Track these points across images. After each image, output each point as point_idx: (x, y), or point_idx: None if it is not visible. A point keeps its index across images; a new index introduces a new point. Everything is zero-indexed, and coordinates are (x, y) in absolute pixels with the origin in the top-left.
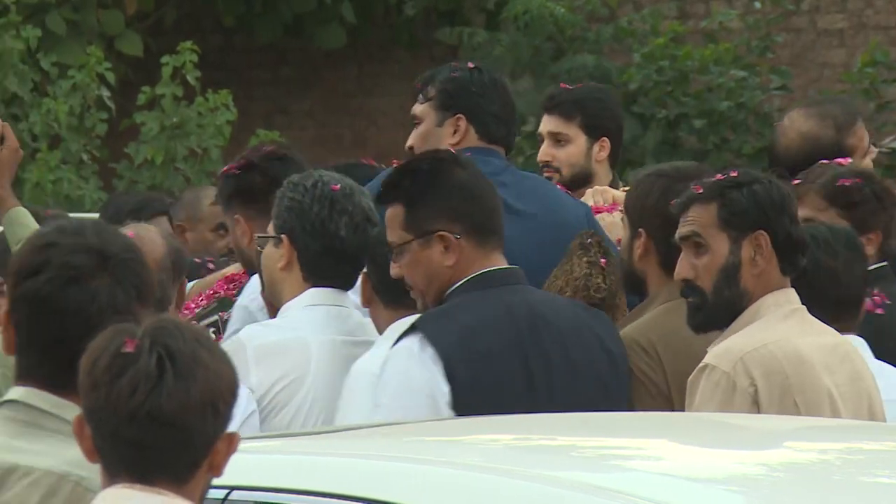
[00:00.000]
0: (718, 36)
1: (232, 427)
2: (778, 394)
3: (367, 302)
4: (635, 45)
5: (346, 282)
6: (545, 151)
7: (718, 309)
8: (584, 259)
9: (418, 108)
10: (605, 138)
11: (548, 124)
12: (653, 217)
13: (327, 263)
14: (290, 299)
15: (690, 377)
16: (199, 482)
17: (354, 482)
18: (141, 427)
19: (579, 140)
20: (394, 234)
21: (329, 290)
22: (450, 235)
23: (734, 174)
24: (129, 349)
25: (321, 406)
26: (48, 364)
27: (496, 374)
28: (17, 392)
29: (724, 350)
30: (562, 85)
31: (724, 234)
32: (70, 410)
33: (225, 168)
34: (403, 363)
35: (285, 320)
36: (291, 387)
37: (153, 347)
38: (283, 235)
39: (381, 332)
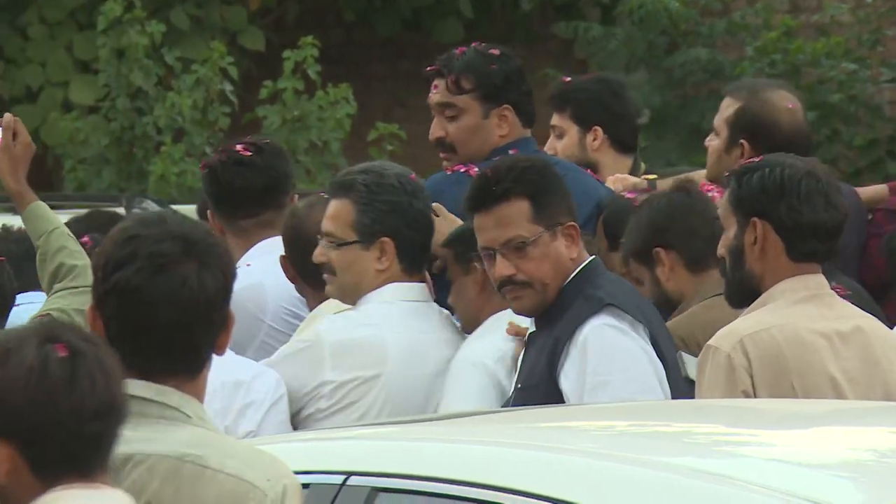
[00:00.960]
0: (830, 29)
1: (261, 410)
2: (771, 375)
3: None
4: (748, 38)
5: (421, 273)
6: (549, 144)
7: (732, 288)
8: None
9: (458, 98)
10: (597, 127)
11: (553, 118)
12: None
13: (424, 257)
14: (368, 292)
15: (698, 357)
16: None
17: (470, 467)
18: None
19: (571, 131)
20: (519, 229)
21: (413, 285)
22: (576, 227)
23: (757, 160)
24: (62, 354)
25: (394, 405)
26: (143, 353)
27: (671, 346)
28: None
29: (728, 332)
30: (563, 79)
31: (734, 218)
32: (171, 396)
33: (202, 164)
34: (622, 340)
35: (365, 315)
36: (365, 385)
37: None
38: (384, 238)
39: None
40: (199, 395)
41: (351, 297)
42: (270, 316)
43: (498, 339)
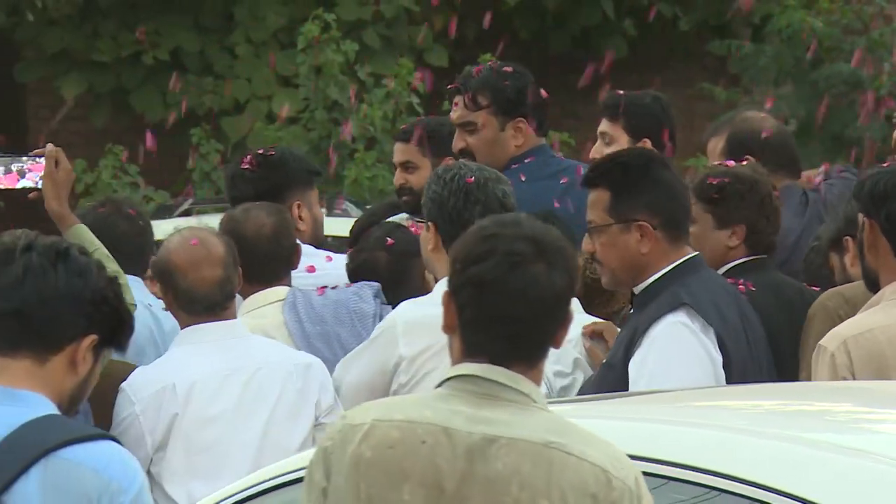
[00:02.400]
0: None
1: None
2: (871, 373)
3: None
4: (885, 55)
5: None
6: (596, 149)
7: (864, 276)
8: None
9: (477, 114)
10: (646, 139)
11: (601, 125)
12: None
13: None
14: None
15: (812, 356)
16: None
17: (637, 443)
18: None
19: (622, 140)
20: (595, 215)
21: None
22: (648, 226)
23: (885, 165)
24: None
25: None
26: (493, 341)
27: (740, 348)
28: (470, 368)
29: (834, 334)
30: (616, 91)
31: (861, 214)
32: (522, 382)
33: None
34: (689, 338)
35: (433, 297)
36: (437, 357)
37: None
38: (430, 223)
39: None
40: (538, 384)
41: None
42: None
43: None
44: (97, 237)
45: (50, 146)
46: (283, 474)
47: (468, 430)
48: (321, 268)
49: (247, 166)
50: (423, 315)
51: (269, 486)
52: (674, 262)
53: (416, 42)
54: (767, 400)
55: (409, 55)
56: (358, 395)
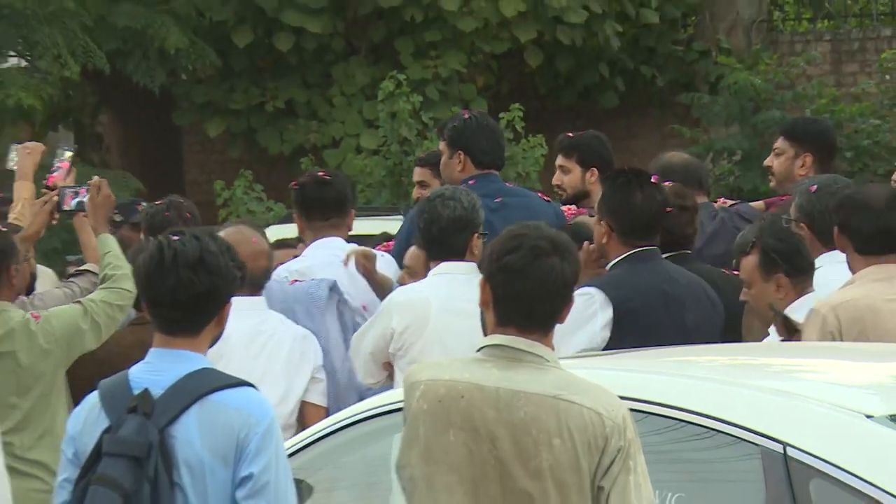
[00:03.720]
0: (862, 97)
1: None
2: (855, 334)
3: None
4: (807, 104)
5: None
6: (556, 178)
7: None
8: None
9: (440, 144)
10: (594, 168)
11: (558, 160)
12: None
13: (434, 244)
14: None
15: (805, 318)
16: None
17: (626, 387)
18: None
19: (575, 170)
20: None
21: (460, 263)
22: (606, 227)
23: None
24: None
25: (436, 343)
26: (519, 315)
27: (652, 316)
28: (498, 338)
29: (824, 302)
30: (567, 134)
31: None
32: (537, 347)
33: (293, 182)
34: (580, 305)
35: (421, 285)
36: (417, 332)
37: None
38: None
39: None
40: (550, 348)
41: None
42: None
43: None
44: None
45: (95, 178)
46: (357, 414)
47: (496, 387)
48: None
49: (328, 177)
50: (410, 298)
51: (349, 422)
52: (617, 255)
53: (464, 95)
54: (723, 356)
55: (459, 104)
56: (372, 358)
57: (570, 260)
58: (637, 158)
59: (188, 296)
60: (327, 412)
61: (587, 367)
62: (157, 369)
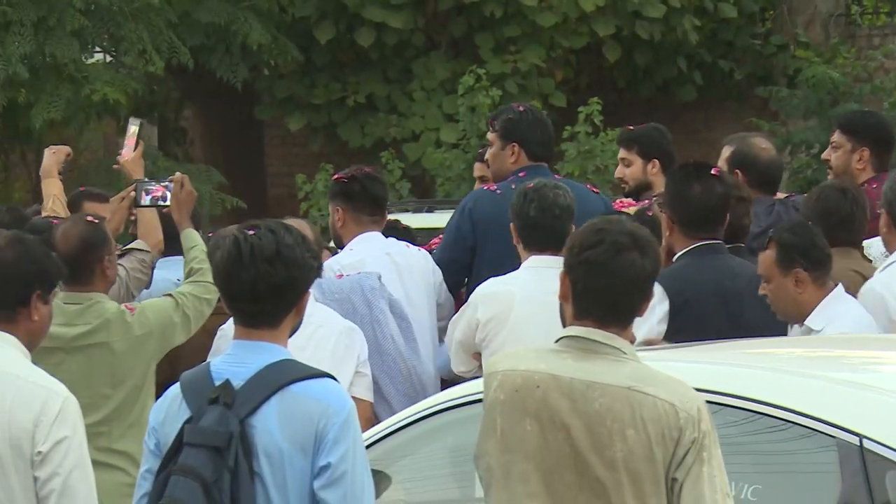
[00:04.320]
0: None
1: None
2: None
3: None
4: (885, 97)
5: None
6: (618, 170)
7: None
8: None
9: (490, 135)
10: (655, 160)
11: (620, 153)
12: None
13: (527, 235)
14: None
15: (861, 296)
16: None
17: (702, 379)
18: None
19: (637, 163)
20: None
21: (546, 257)
22: (668, 220)
23: None
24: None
25: (518, 335)
26: (599, 308)
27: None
28: (576, 329)
29: (880, 277)
30: (627, 126)
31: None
32: (615, 340)
33: (336, 176)
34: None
35: (507, 277)
36: (500, 323)
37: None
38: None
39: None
40: (629, 341)
41: None
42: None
43: None
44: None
45: (178, 174)
46: (437, 404)
47: (570, 377)
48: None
49: (369, 175)
50: (496, 290)
51: (433, 411)
52: (681, 248)
53: (543, 89)
54: (801, 348)
55: (538, 98)
56: (462, 347)
57: (650, 255)
58: (714, 151)
59: (267, 289)
60: (371, 406)
61: (663, 360)
62: (238, 361)
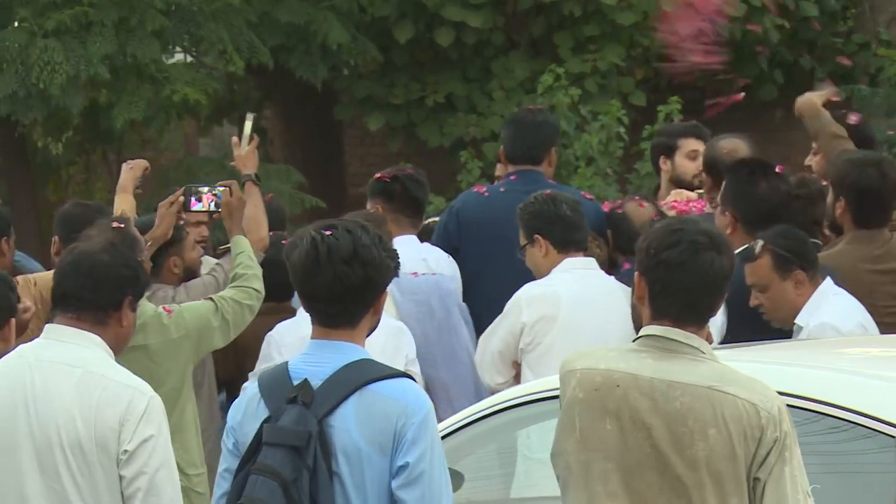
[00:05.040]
0: None
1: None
2: None
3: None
4: None
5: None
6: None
7: None
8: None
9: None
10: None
11: (691, 146)
12: None
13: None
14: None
15: None
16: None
17: (784, 382)
18: None
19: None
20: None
21: (581, 258)
22: (731, 218)
23: None
24: None
25: (567, 337)
26: (677, 308)
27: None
28: (655, 329)
29: None
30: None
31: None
32: (694, 339)
33: (378, 175)
34: None
35: (549, 279)
36: (549, 324)
37: None
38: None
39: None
40: (706, 339)
41: None
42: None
43: None
44: None
45: (227, 182)
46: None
47: (651, 377)
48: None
49: (410, 177)
50: (542, 292)
51: (502, 407)
52: (738, 247)
53: (622, 87)
54: (877, 347)
55: (617, 97)
56: (500, 357)
57: (727, 253)
58: (793, 150)
59: (344, 289)
60: None
61: (729, 361)
62: (317, 360)
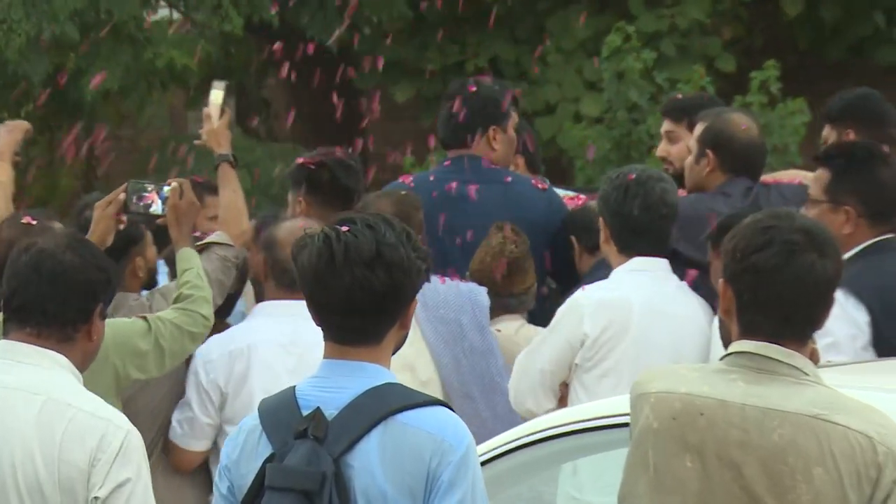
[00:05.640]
0: None
1: None
2: None
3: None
4: None
5: (653, 250)
6: (662, 148)
7: None
8: (500, 234)
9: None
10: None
11: (664, 126)
12: None
13: (627, 237)
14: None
15: None
16: None
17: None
18: None
19: (686, 137)
20: (814, 190)
21: (650, 259)
22: (853, 211)
23: None
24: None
25: (638, 352)
26: (769, 323)
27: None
28: (747, 344)
29: None
30: (676, 96)
31: None
32: (796, 359)
33: (301, 160)
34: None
35: (611, 282)
36: (617, 335)
37: None
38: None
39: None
40: (808, 358)
41: None
42: None
43: None
44: None
45: (178, 180)
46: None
47: (742, 403)
48: None
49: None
50: (608, 297)
51: (540, 437)
52: (861, 244)
53: (707, 50)
54: None
55: (701, 62)
56: (549, 377)
57: (831, 255)
58: None
59: (365, 298)
60: None
61: (846, 387)
62: (331, 385)
